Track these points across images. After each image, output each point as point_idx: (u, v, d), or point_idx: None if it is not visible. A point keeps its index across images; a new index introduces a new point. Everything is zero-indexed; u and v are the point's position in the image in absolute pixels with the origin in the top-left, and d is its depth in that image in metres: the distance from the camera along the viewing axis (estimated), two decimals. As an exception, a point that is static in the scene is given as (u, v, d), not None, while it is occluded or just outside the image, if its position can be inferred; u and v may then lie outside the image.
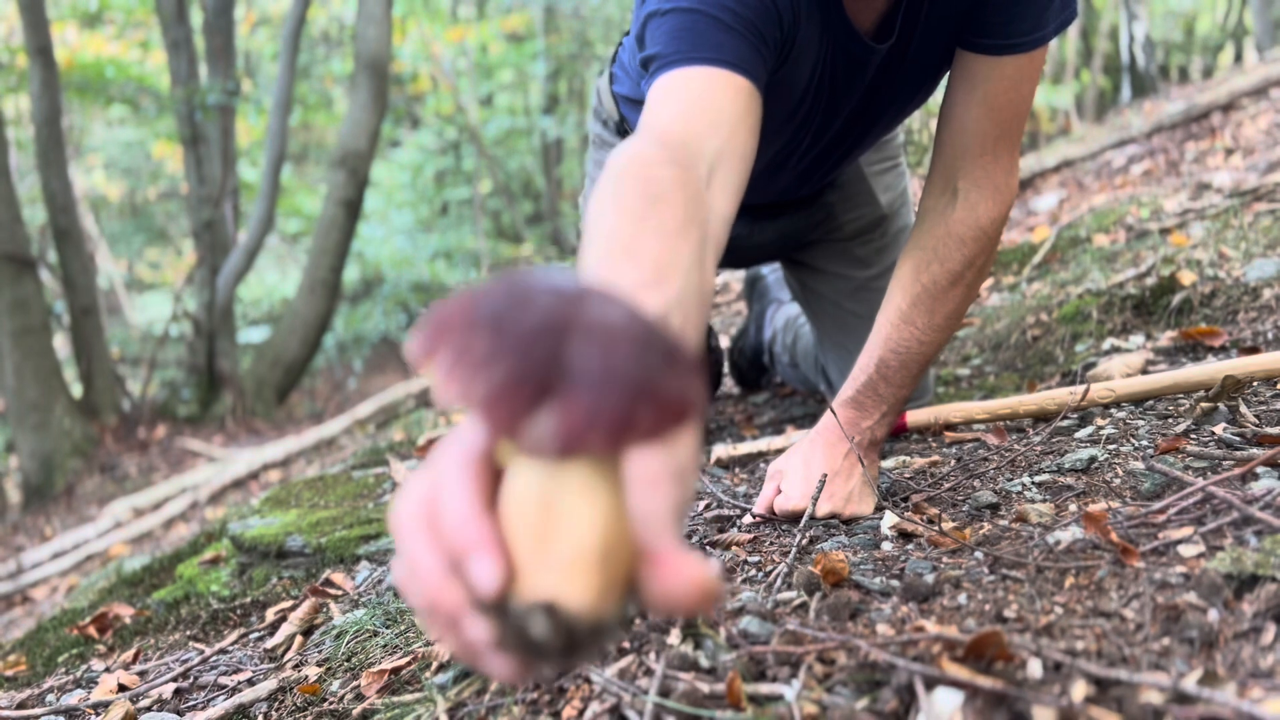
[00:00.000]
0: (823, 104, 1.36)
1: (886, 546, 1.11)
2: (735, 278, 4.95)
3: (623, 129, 1.71)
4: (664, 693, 0.77)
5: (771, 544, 1.19)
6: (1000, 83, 1.23)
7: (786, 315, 2.27)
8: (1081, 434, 1.39)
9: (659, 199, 0.80)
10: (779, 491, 1.27)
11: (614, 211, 0.79)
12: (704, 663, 0.82)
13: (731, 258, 1.85)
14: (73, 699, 1.29)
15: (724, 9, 1.06)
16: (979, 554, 1.01)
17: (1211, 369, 1.42)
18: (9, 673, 1.53)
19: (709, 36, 1.05)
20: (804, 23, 1.18)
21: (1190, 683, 0.70)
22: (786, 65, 1.21)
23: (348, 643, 1.17)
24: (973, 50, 1.24)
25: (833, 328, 1.88)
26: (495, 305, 0.39)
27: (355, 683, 1.03)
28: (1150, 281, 2.14)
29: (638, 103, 1.54)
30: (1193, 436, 1.25)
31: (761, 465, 1.63)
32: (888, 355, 1.29)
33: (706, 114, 1.00)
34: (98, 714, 1.20)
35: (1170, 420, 1.36)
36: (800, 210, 1.77)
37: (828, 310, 1.90)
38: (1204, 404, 1.32)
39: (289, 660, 1.23)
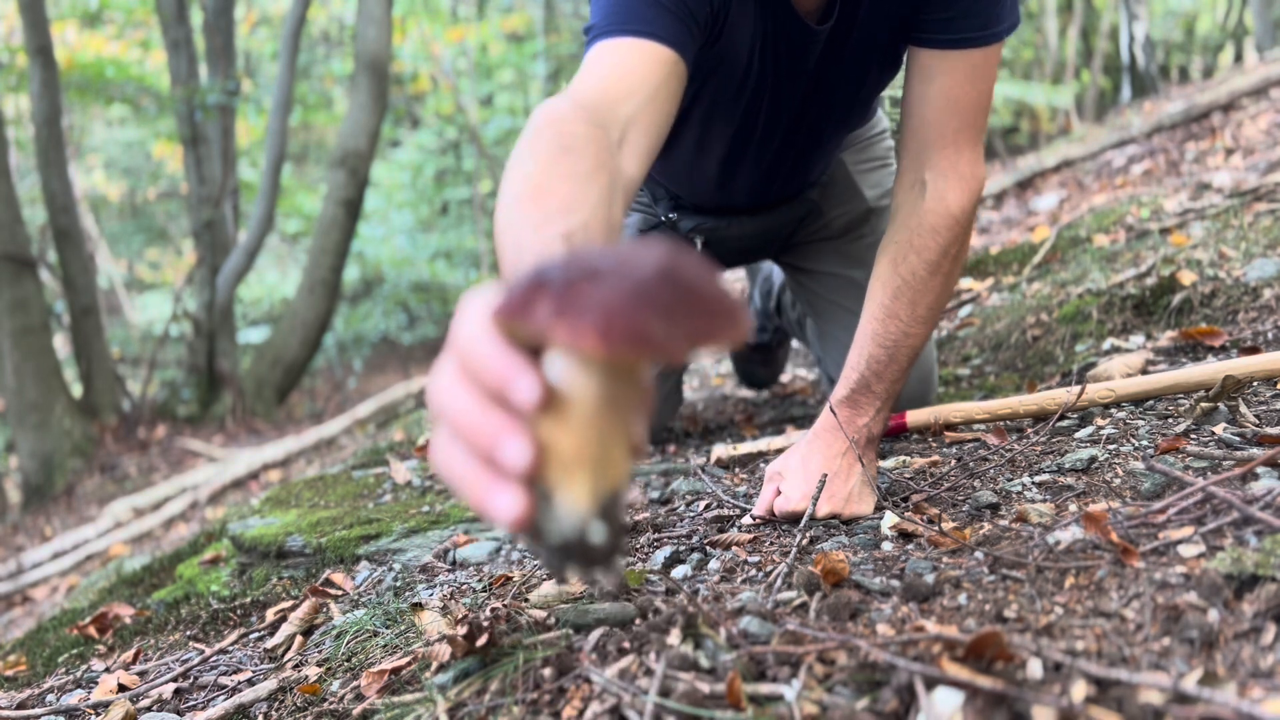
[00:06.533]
0: (769, 85, 1.42)
1: (886, 546, 1.11)
2: (735, 277, 4.94)
3: None
4: (664, 693, 0.77)
5: (771, 544, 1.19)
6: (955, 75, 1.28)
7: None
8: (1081, 434, 1.39)
9: (570, 149, 0.90)
10: (778, 493, 1.27)
11: (530, 157, 0.88)
12: (704, 663, 0.82)
13: (715, 250, 1.86)
14: (73, 699, 1.29)
15: None
16: (979, 554, 1.01)
17: (1211, 369, 1.42)
18: (9, 673, 1.53)
19: (639, 10, 1.13)
20: (735, 2, 1.26)
21: (1190, 683, 0.70)
22: (722, 40, 1.30)
23: (348, 643, 1.17)
24: (925, 46, 1.29)
25: (832, 325, 1.90)
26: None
27: (355, 683, 1.03)
28: (1150, 281, 2.14)
29: None
30: (1193, 436, 1.25)
31: (761, 465, 1.63)
32: (876, 351, 1.30)
33: (626, 81, 1.08)
34: (98, 714, 1.19)
35: (1170, 420, 1.36)
36: (781, 206, 1.80)
37: (826, 309, 1.91)
38: (1204, 404, 1.32)
39: (289, 660, 1.23)
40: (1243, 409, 1.28)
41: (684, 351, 0.45)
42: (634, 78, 1.08)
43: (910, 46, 1.33)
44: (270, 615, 1.42)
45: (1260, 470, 1.03)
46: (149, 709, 1.18)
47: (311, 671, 1.14)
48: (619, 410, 0.50)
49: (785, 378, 2.60)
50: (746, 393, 2.62)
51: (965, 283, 2.99)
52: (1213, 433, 1.24)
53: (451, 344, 0.53)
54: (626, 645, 0.87)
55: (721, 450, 1.70)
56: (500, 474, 0.50)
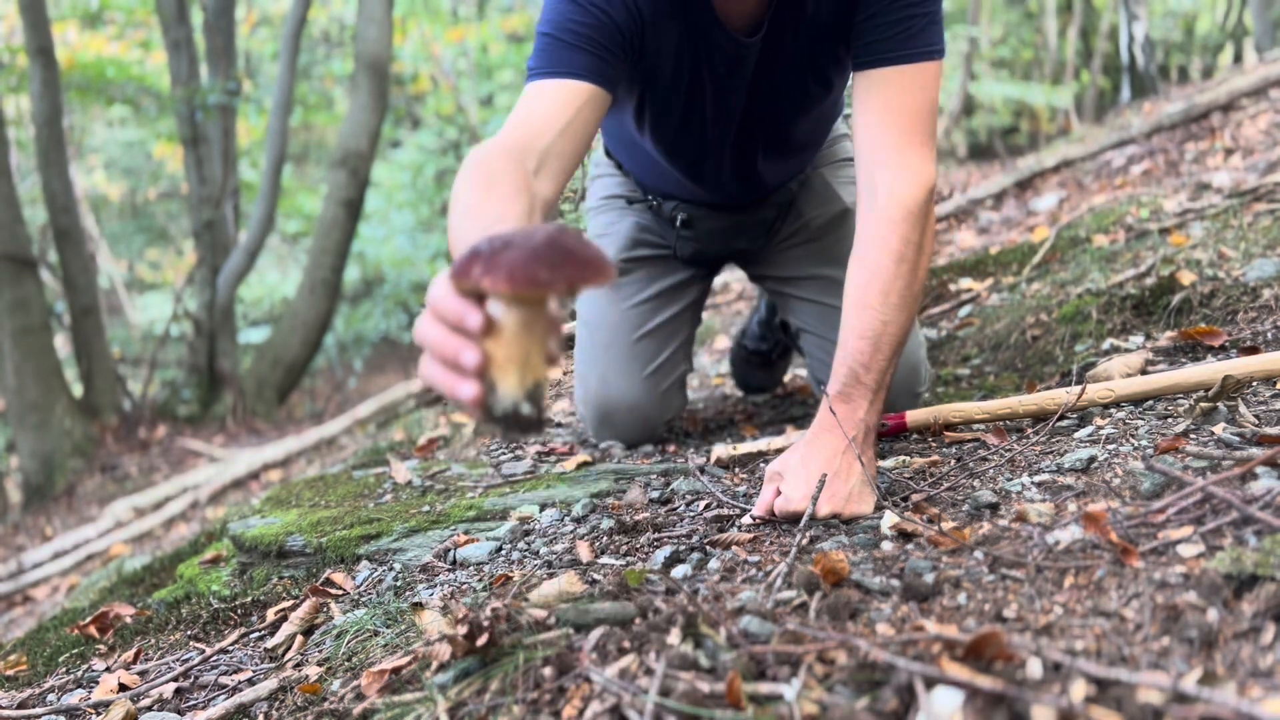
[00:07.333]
0: (707, 93, 1.61)
1: (886, 546, 1.11)
2: (735, 278, 4.95)
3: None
4: (664, 692, 0.77)
5: (771, 544, 1.19)
6: (890, 89, 1.42)
7: None
8: (1081, 434, 1.39)
9: (495, 181, 1.16)
10: (778, 493, 1.27)
11: (469, 190, 1.14)
12: (704, 662, 0.82)
13: (699, 230, 1.97)
14: (73, 698, 1.29)
15: (566, 30, 1.38)
16: (979, 554, 1.01)
17: (1211, 369, 1.42)
18: (10, 672, 1.53)
19: (555, 54, 1.38)
20: (650, 25, 1.46)
21: (1190, 683, 0.70)
22: (646, 58, 1.51)
23: (348, 642, 1.17)
24: (861, 69, 1.46)
25: (816, 323, 1.96)
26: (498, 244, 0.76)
27: (356, 682, 1.03)
28: (1150, 281, 2.14)
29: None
30: (1192, 436, 1.25)
31: (761, 465, 1.63)
32: (859, 343, 1.34)
33: (543, 120, 1.33)
34: (98, 713, 1.20)
35: (1170, 420, 1.36)
36: (758, 202, 1.94)
37: (808, 311, 1.98)
38: (1203, 404, 1.32)
39: (289, 660, 1.24)
40: (1242, 409, 1.29)
41: (565, 289, 0.73)
42: (548, 116, 1.33)
43: (852, 71, 1.49)
44: (271, 615, 1.42)
45: (1260, 470, 1.03)
46: (149, 708, 1.19)
47: (312, 671, 1.14)
48: (534, 330, 0.78)
49: (785, 378, 2.61)
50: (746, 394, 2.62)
51: (965, 282, 3.00)
52: (1212, 433, 1.25)
53: (427, 300, 0.82)
54: (626, 645, 0.87)
55: (721, 450, 1.70)
56: (462, 373, 0.79)
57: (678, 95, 1.61)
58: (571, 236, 0.75)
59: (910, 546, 1.10)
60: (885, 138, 1.40)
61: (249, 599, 1.53)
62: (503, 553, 1.38)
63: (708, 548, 1.21)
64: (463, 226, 1.07)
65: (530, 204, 1.15)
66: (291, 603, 1.44)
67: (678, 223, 1.95)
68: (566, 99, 1.36)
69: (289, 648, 1.30)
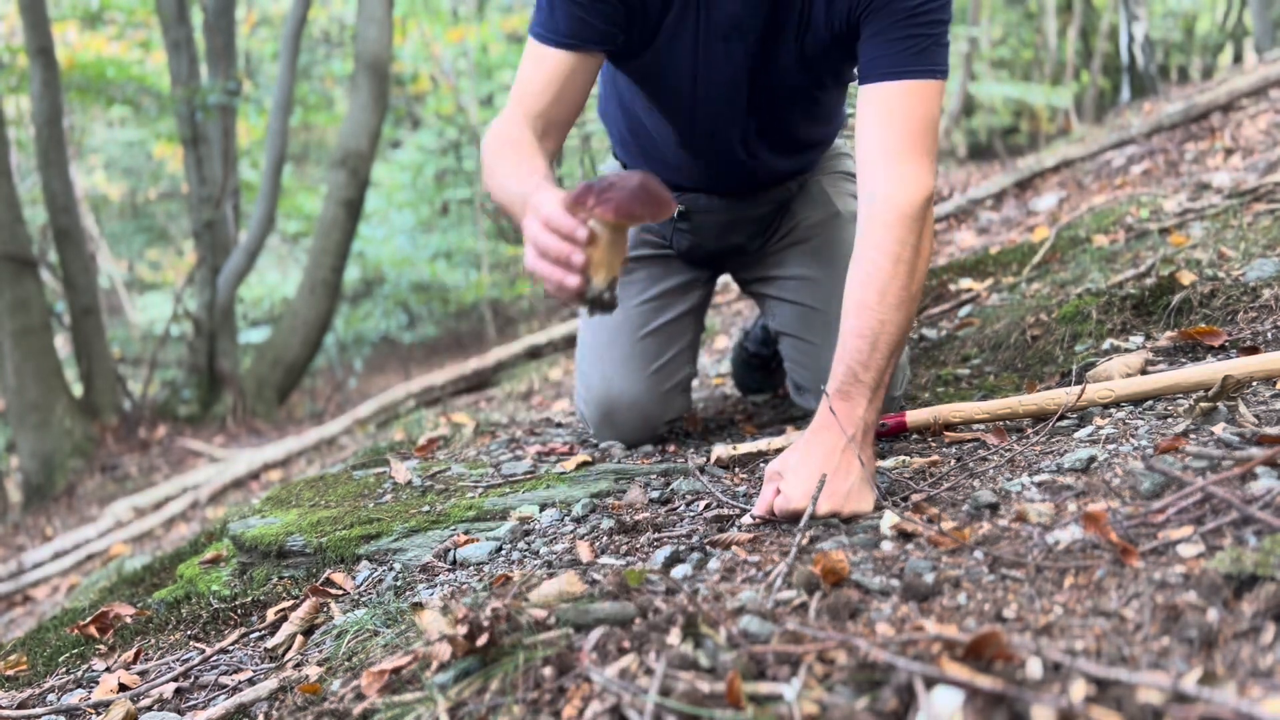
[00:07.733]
0: (699, 55, 1.63)
1: (886, 546, 1.11)
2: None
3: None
4: (664, 692, 0.77)
5: (771, 544, 1.19)
6: (892, 104, 1.46)
7: None
8: (1081, 434, 1.39)
9: (517, 145, 1.49)
10: (778, 492, 1.27)
11: (498, 154, 1.49)
12: (704, 662, 0.82)
13: (695, 222, 1.98)
14: (73, 698, 1.29)
15: None
16: (979, 554, 1.01)
17: (1211, 369, 1.42)
18: (10, 672, 1.53)
19: (548, 18, 1.53)
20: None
21: (1190, 683, 0.70)
22: (634, 13, 1.57)
23: (348, 642, 1.17)
24: (864, 83, 1.51)
25: (796, 324, 1.97)
26: (606, 183, 1.15)
27: (356, 682, 1.03)
28: (1150, 281, 2.14)
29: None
30: (1192, 436, 1.25)
31: (761, 465, 1.63)
32: (857, 342, 1.36)
33: (539, 91, 1.55)
34: (98, 713, 1.20)
35: (1170, 420, 1.36)
36: (759, 194, 1.95)
37: (790, 311, 1.99)
38: (1203, 404, 1.32)
39: (289, 660, 1.24)
40: (1242, 409, 1.29)
41: (650, 219, 1.15)
42: (544, 88, 1.54)
43: (858, 86, 1.53)
44: (271, 615, 1.42)
45: (1259, 470, 1.03)
46: (149, 708, 1.19)
47: (312, 671, 1.14)
48: (619, 244, 1.16)
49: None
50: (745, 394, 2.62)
51: (965, 282, 3.00)
52: (1212, 433, 1.24)
53: (535, 212, 1.18)
54: (626, 645, 0.87)
55: (721, 450, 1.70)
56: (570, 269, 1.14)
57: (676, 46, 1.62)
58: (653, 183, 1.15)
59: (910, 546, 1.10)
60: (885, 148, 1.44)
61: (249, 599, 1.53)
62: (503, 553, 1.38)
63: (708, 548, 1.21)
64: (509, 176, 1.42)
65: (545, 161, 1.47)
66: (291, 603, 1.44)
67: (675, 214, 1.96)
68: (557, 68, 1.54)
69: (289, 648, 1.30)
